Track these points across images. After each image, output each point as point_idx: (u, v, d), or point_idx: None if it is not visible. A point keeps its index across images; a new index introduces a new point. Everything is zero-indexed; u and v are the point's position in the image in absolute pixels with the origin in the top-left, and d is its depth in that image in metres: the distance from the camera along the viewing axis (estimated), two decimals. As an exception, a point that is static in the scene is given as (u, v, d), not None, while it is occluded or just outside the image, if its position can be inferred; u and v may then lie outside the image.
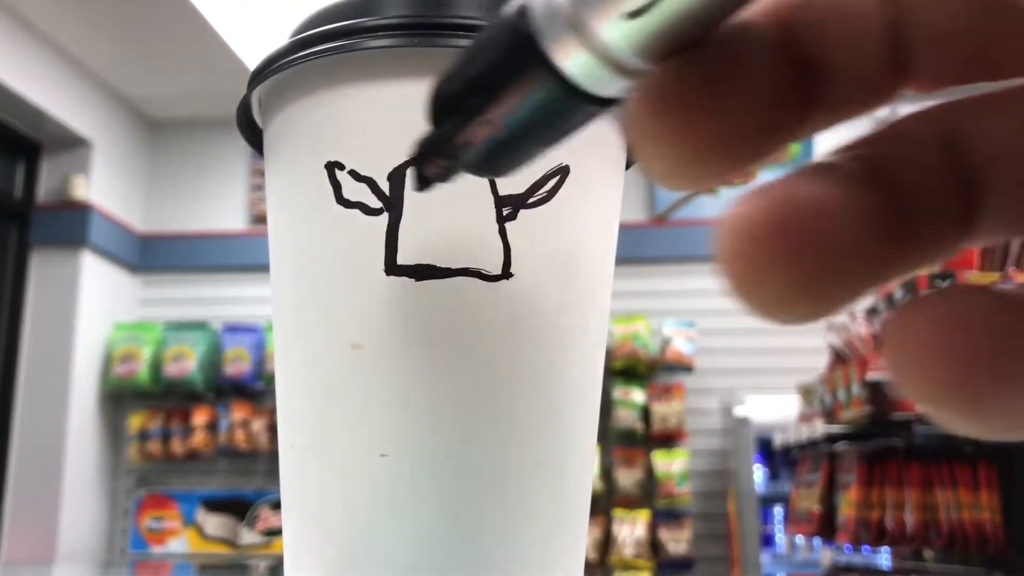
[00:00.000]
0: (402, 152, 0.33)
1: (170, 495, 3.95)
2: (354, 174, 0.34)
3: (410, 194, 0.33)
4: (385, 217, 0.33)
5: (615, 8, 0.18)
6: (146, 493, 3.96)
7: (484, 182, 0.33)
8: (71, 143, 3.85)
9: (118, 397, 4.00)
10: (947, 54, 0.19)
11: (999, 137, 0.19)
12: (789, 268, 0.16)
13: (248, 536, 3.83)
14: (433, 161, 0.27)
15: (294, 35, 0.36)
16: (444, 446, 0.33)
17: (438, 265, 0.33)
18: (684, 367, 3.86)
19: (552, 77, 0.20)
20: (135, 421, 3.94)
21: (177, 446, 3.87)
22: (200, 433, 3.85)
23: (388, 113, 0.34)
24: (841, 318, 3.10)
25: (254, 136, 0.40)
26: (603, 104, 0.20)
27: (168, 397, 4.00)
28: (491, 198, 0.34)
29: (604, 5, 0.18)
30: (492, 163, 0.24)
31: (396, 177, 0.33)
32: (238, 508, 3.88)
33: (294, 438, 0.36)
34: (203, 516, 3.90)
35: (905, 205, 0.18)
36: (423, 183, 0.29)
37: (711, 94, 0.18)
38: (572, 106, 0.20)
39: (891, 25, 0.19)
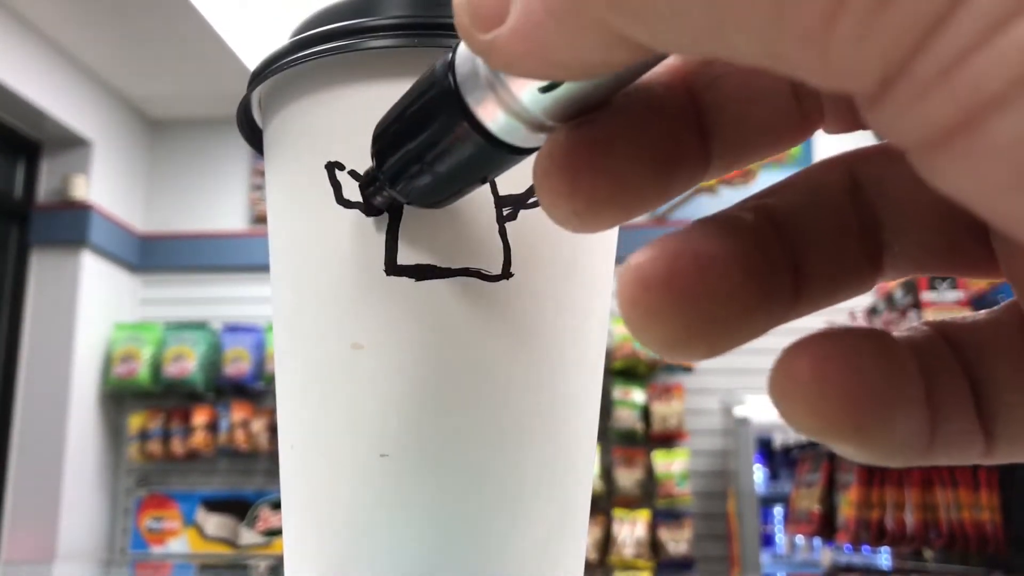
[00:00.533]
0: None
1: (170, 495, 3.95)
2: (354, 174, 0.34)
3: None
4: (385, 217, 0.33)
5: (526, 82, 0.20)
6: (146, 493, 3.96)
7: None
8: (71, 143, 3.85)
9: (118, 397, 4.00)
10: (851, 109, 0.20)
11: (900, 182, 0.20)
12: (675, 314, 0.18)
13: (248, 536, 3.83)
14: (379, 193, 0.31)
15: (294, 35, 0.35)
16: (444, 446, 0.33)
17: (438, 265, 0.33)
18: (684, 367, 3.86)
19: (475, 130, 0.22)
20: (135, 421, 3.94)
21: (177, 446, 3.87)
22: (200, 433, 3.85)
23: None
24: (841, 318, 3.10)
25: (254, 136, 0.40)
26: (521, 152, 0.22)
27: (168, 397, 4.00)
28: (491, 198, 0.33)
29: (519, 80, 0.20)
30: (427, 197, 0.27)
31: None
32: (238, 508, 3.88)
33: (294, 438, 0.36)
34: (203, 516, 3.90)
35: (801, 249, 0.20)
36: (371, 210, 0.32)
37: (595, 154, 0.19)
38: (493, 154, 0.23)
39: (791, 83, 0.21)
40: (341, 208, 0.34)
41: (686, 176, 0.20)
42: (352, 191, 0.34)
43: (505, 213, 0.34)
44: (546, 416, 0.34)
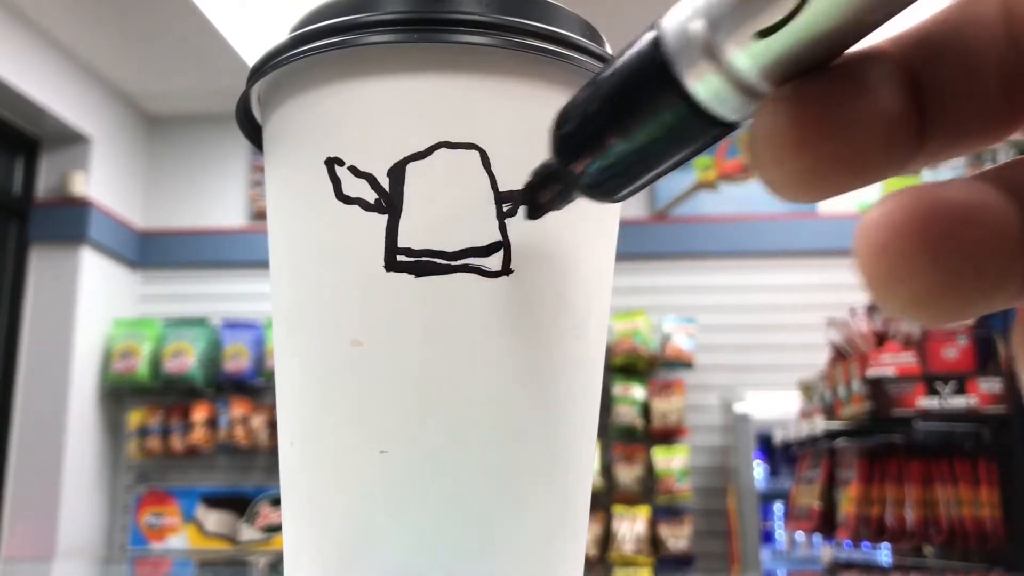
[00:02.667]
0: (402, 147, 0.33)
1: (170, 491, 3.95)
2: (354, 170, 0.34)
3: (410, 190, 0.33)
4: (385, 213, 0.33)
5: (748, 27, 0.19)
6: (146, 489, 3.96)
7: (483, 176, 0.33)
8: (70, 139, 3.85)
9: (118, 393, 4.01)
10: None
11: None
12: (932, 264, 0.17)
13: (248, 532, 3.83)
14: (549, 187, 0.29)
15: (293, 31, 0.35)
16: (444, 443, 0.33)
17: (438, 262, 0.33)
18: (684, 363, 3.86)
19: (683, 101, 0.21)
20: (135, 417, 3.94)
21: (177, 442, 3.87)
22: (200, 429, 3.86)
23: (389, 109, 0.34)
24: (841, 315, 3.10)
25: (254, 132, 0.40)
26: (726, 127, 0.21)
27: (168, 393, 4.00)
28: (491, 194, 0.33)
29: (738, 27, 0.19)
30: (609, 185, 0.25)
31: (396, 173, 0.33)
32: (238, 504, 3.88)
33: (294, 434, 0.36)
34: (203, 512, 3.90)
35: None
36: (536, 210, 0.30)
37: (830, 114, 0.18)
38: (698, 129, 0.22)
39: (1012, 64, 0.20)
40: (341, 204, 0.34)
41: (904, 153, 0.19)
42: (352, 187, 0.34)
43: (505, 209, 0.33)
44: (546, 413, 0.34)
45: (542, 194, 0.30)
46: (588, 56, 0.34)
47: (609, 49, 0.36)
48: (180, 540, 3.89)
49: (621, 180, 0.25)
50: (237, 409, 3.87)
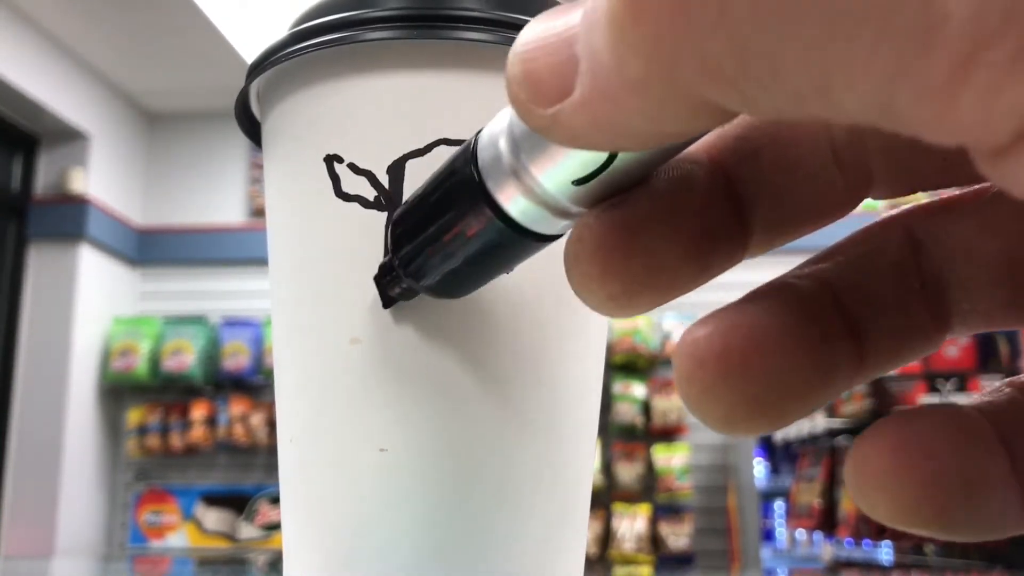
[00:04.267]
0: (401, 144, 0.33)
1: (169, 489, 3.95)
2: (353, 167, 0.33)
3: (409, 187, 0.33)
4: (384, 210, 0.33)
5: (557, 175, 0.19)
6: (145, 487, 3.97)
7: None
8: (69, 136, 3.85)
9: (117, 391, 4.01)
10: (907, 166, 0.20)
11: (966, 237, 0.20)
12: (732, 391, 0.18)
13: (247, 530, 3.84)
14: (395, 283, 0.30)
15: (292, 27, 0.35)
16: (443, 441, 0.32)
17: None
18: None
19: (496, 217, 0.21)
20: (134, 415, 3.94)
21: (176, 440, 3.88)
22: (199, 427, 3.86)
23: (388, 106, 0.33)
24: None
25: (252, 129, 0.40)
26: (545, 239, 0.22)
27: (167, 391, 4.00)
28: None
29: (545, 168, 0.20)
30: (446, 287, 0.27)
31: (395, 170, 0.33)
32: (237, 502, 3.89)
33: (293, 432, 0.36)
34: (202, 510, 3.90)
35: (862, 313, 0.19)
36: (387, 301, 0.32)
37: (631, 239, 0.19)
38: (514, 241, 0.22)
39: (839, 144, 0.20)
40: (340, 201, 0.34)
41: (724, 255, 0.20)
42: (351, 184, 0.33)
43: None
44: (546, 411, 0.34)
45: (390, 288, 0.31)
46: None
47: None
48: (179, 538, 3.89)
49: (454, 286, 0.26)
50: (236, 407, 3.88)
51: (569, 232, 0.20)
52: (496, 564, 0.33)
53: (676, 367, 0.18)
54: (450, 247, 0.24)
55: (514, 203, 0.21)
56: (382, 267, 0.31)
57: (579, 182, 0.19)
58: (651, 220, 0.19)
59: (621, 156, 0.19)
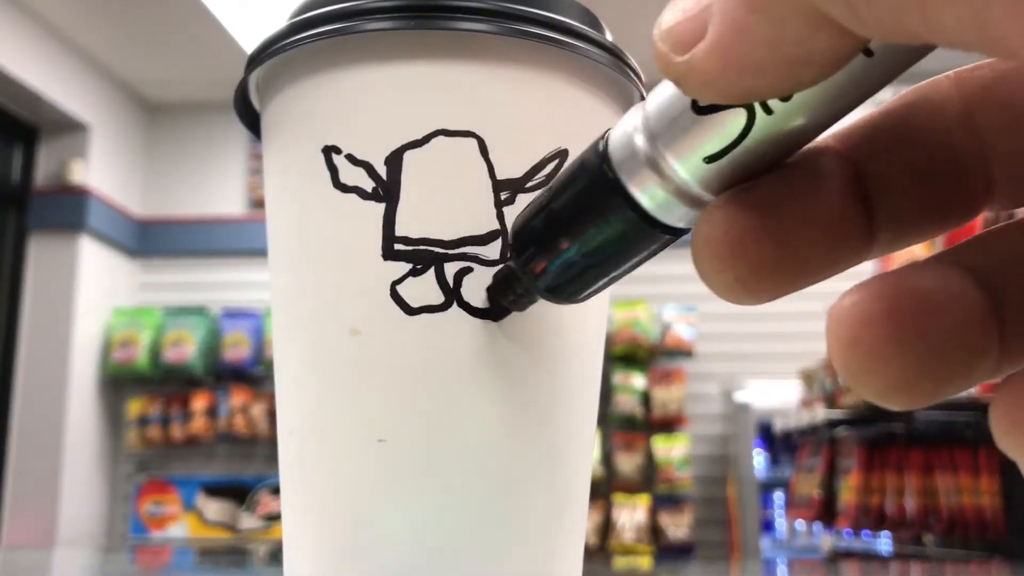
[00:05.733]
0: (399, 135, 0.33)
1: (170, 480, 3.96)
2: (351, 158, 0.33)
3: (407, 178, 0.33)
4: (382, 201, 0.33)
5: (692, 154, 0.20)
6: (146, 478, 3.97)
7: (481, 164, 0.33)
8: (69, 127, 3.85)
9: (117, 382, 4.01)
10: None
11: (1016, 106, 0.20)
12: (903, 355, 0.17)
13: (248, 521, 3.84)
14: (510, 289, 0.30)
15: (291, 17, 0.35)
16: (441, 432, 0.32)
17: (435, 250, 0.33)
18: (684, 352, 3.86)
19: (630, 209, 0.22)
20: (134, 406, 3.94)
21: (176, 431, 3.88)
22: (199, 418, 3.86)
23: (386, 96, 0.33)
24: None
25: (252, 120, 0.39)
26: (674, 232, 0.23)
27: (167, 382, 4.00)
28: (489, 183, 0.33)
29: (681, 149, 0.20)
30: (567, 289, 0.27)
31: (393, 161, 0.33)
32: (238, 493, 3.89)
33: (293, 424, 0.36)
34: (203, 501, 3.91)
35: (1002, 302, 0.19)
36: (499, 312, 0.32)
37: (764, 221, 0.19)
38: (646, 235, 0.23)
39: (967, 154, 0.20)
40: (338, 192, 0.34)
41: (852, 249, 0.20)
42: (349, 175, 0.33)
43: (503, 197, 0.33)
44: (544, 403, 0.34)
45: (503, 296, 0.31)
46: (588, 43, 0.34)
47: (609, 36, 0.36)
48: (180, 529, 3.90)
49: (577, 285, 0.26)
50: (237, 398, 3.88)
51: (700, 217, 0.20)
52: (494, 555, 0.33)
53: (835, 331, 0.18)
54: (579, 243, 0.25)
55: (647, 192, 0.22)
56: (497, 275, 0.31)
57: (711, 159, 0.20)
58: (783, 204, 0.19)
59: (752, 132, 0.19)
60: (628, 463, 3.75)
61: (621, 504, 3.68)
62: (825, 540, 3.35)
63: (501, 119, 0.34)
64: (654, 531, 3.67)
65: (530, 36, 0.33)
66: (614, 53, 0.35)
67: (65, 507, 3.66)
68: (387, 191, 0.33)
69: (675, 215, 0.22)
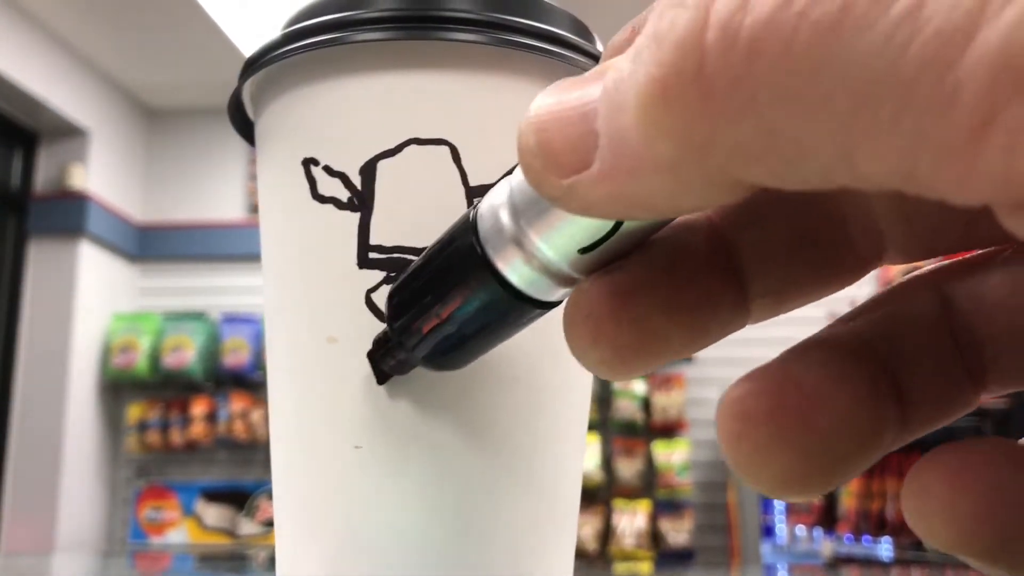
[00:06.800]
0: (373, 145, 0.33)
1: (169, 486, 3.96)
2: (328, 169, 0.34)
3: (381, 187, 0.33)
4: (357, 211, 0.33)
5: (562, 244, 0.20)
6: (145, 484, 3.97)
7: (453, 172, 0.33)
8: (68, 132, 3.85)
9: (117, 387, 4.01)
10: (923, 233, 0.20)
11: (997, 294, 0.20)
12: (786, 450, 0.17)
13: (247, 526, 3.84)
14: (390, 355, 0.30)
15: (285, 27, 0.35)
16: (418, 437, 0.33)
17: (409, 258, 0.33)
18: (685, 357, 3.85)
19: (497, 284, 0.22)
20: (134, 411, 3.95)
21: (176, 437, 3.88)
22: (199, 424, 3.86)
23: (363, 107, 0.34)
24: (843, 308, 3.10)
25: (246, 128, 0.40)
26: (543, 306, 0.22)
27: (167, 387, 4.00)
28: (462, 190, 0.33)
29: (549, 236, 0.20)
30: (443, 358, 0.27)
31: (368, 171, 0.33)
32: (237, 498, 3.89)
33: (279, 430, 0.36)
34: (202, 507, 3.91)
35: (901, 374, 0.19)
36: (382, 376, 0.32)
37: (618, 304, 0.19)
38: (517, 309, 0.22)
39: (848, 215, 0.20)
40: (317, 203, 0.34)
41: (723, 321, 0.20)
42: (326, 186, 0.34)
43: (476, 204, 0.33)
44: (522, 407, 0.34)
45: (383, 362, 0.31)
46: (574, 52, 0.34)
47: (600, 46, 0.36)
48: (180, 534, 3.90)
49: (456, 355, 0.26)
50: (236, 403, 3.88)
51: (568, 297, 0.20)
52: (477, 559, 0.33)
53: (722, 428, 0.18)
54: (449, 315, 0.24)
55: (515, 271, 0.21)
56: (376, 341, 0.31)
57: (584, 251, 0.20)
58: (643, 288, 0.19)
59: (626, 225, 0.19)
60: (628, 468, 3.75)
61: (621, 509, 3.68)
62: (826, 546, 3.35)
63: (475, 126, 0.34)
64: (654, 536, 3.67)
65: (511, 44, 0.33)
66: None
67: (64, 512, 3.66)
68: (362, 200, 0.33)
69: (544, 292, 0.22)
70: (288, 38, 0.34)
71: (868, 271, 0.21)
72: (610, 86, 0.16)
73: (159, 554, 2.96)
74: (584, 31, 0.36)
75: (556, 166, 0.17)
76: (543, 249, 0.20)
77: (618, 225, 0.19)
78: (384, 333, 0.30)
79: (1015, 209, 0.13)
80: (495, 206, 0.21)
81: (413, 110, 0.33)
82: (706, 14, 0.14)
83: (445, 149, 0.33)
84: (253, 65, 0.35)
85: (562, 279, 0.21)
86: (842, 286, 0.21)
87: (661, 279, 0.19)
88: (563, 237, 0.20)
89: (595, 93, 0.16)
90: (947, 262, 0.21)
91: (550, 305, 0.22)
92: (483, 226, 0.22)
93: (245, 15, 3.44)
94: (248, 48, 3.46)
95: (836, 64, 0.13)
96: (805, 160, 0.14)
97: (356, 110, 0.34)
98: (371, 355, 0.32)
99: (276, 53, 0.34)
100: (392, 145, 0.33)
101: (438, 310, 0.25)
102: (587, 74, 0.17)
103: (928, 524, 0.17)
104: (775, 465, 0.17)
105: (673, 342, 0.19)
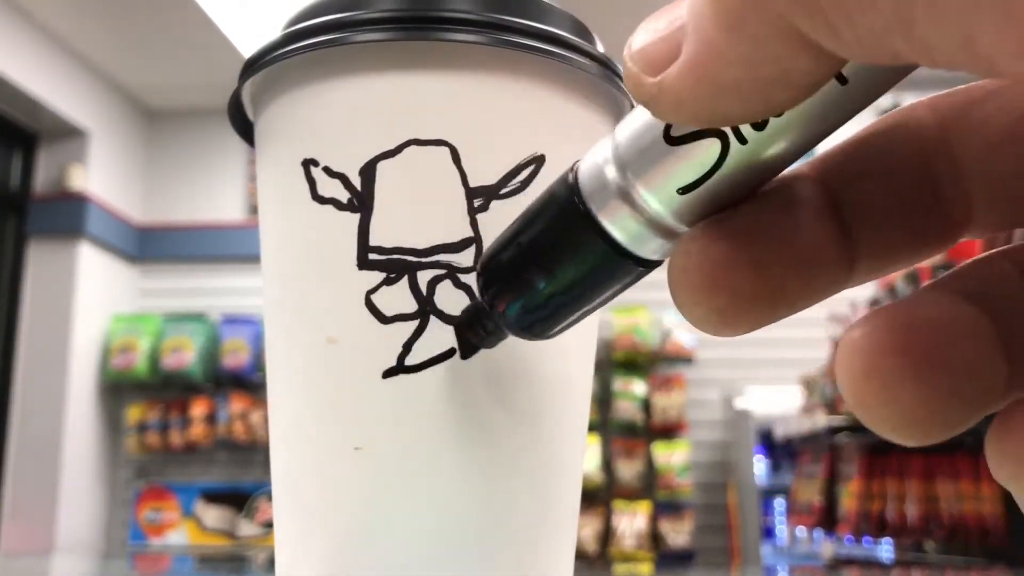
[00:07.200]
0: (373, 146, 0.33)
1: (169, 487, 3.96)
2: (328, 170, 0.34)
3: (381, 188, 0.33)
4: (357, 212, 0.33)
5: (665, 185, 0.20)
6: (145, 485, 3.97)
7: (453, 172, 0.33)
8: (68, 133, 3.85)
9: (116, 388, 4.01)
10: (1008, 202, 0.20)
11: (989, 131, 0.20)
12: (919, 386, 0.17)
13: (247, 528, 3.84)
14: (480, 325, 0.29)
15: (285, 28, 0.35)
16: (417, 438, 0.33)
17: (408, 259, 0.33)
18: (685, 358, 3.86)
19: (601, 241, 0.21)
20: (133, 413, 3.95)
21: (176, 438, 3.88)
22: (199, 425, 3.86)
23: (363, 108, 0.34)
24: (843, 309, 3.10)
25: (246, 129, 0.40)
26: (648, 264, 0.22)
27: (166, 389, 4.00)
28: (462, 190, 0.33)
29: (653, 181, 0.20)
30: (539, 326, 0.26)
31: (367, 172, 0.33)
32: (237, 500, 3.89)
33: (279, 431, 0.36)
34: (202, 508, 3.91)
35: (1003, 331, 0.18)
36: (468, 349, 0.32)
37: (739, 252, 0.19)
38: (620, 267, 0.22)
39: (941, 177, 0.20)
40: (317, 204, 0.34)
41: (830, 278, 0.20)
42: (326, 187, 0.34)
43: (476, 204, 0.33)
44: (526, 406, 0.34)
45: (472, 334, 0.30)
46: (574, 52, 0.34)
47: (600, 47, 0.36)
48: (179, 535, 3.90)
49: (549, 321, 0.25)
50: (236, 404, 3.88)
51: (675, 248, 0.20)
52: (477, 560, 0.33)
53: (847, 366, 0.17)
54: (551, 279, 0.24)
55: (619, 224, 0.21)
56: (466, 312, 0.30)
57: (685, 190, 0.20)
58: (758, 233, 0.19)
59: (727, 161, 0.19)
60: (628, 470, 3.75)
61: (621, 511, 3.68)
62: (826, 547, 3.35)
63: (475, 127, 0.34)
64: (654, 538, 3.67)
65: (510, 45, 0.33)
66: (603, 63, 0.35)
67: (64, 514, 3.66)
68: (362, 201, 0.33)
69: (649, 247, 0.21)
70: (288, 39, 0.34)
71: (959, 239, 0.21)
72: None
73: (158, 555, 2.96)
74: (584, 32, 0.36)
75: (650, 64, 0.17)
76: (647, 198, 0.20)
77: (719, 164, 0.19)
78: (474, 304, 0.30)
79: None
80: (597, 163, 0.21)
81: (413, 111, 0.33)
82: None
83: (445, 150, 0.33)
84: (253, 66, 0.35)
85: (666, 232, 0.21)
86: (936, 251, 0.21)
87: (775, 227, 0.19)
88: (666, 178, 0.20)
89: (683, 8, 0.17)
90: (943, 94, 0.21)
91: (652, 264, 0.22)
92: (585, 183, 0.22)
93: (245, 16, 3.44)
94: (248, 49, 3.46)
95: None
96: (863, 14, 0.14)
97: (356, 111, 0.34)
98: (459, 326, 0.31)
99: (276, 54, 0.34)
100: (392, 146, 0.33)
101: (537, 273, 0.24)
102: None
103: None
104: (904, 402, 0.17)
105: (788, 293, 0.19)
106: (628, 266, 0.22)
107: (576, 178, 0.22)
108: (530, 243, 0.24)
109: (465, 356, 0.32)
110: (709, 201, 0.20)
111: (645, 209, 0.20)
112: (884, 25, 0.14)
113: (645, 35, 0.18)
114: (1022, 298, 0.19)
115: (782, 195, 0.20)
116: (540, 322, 0.26)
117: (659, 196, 0.20)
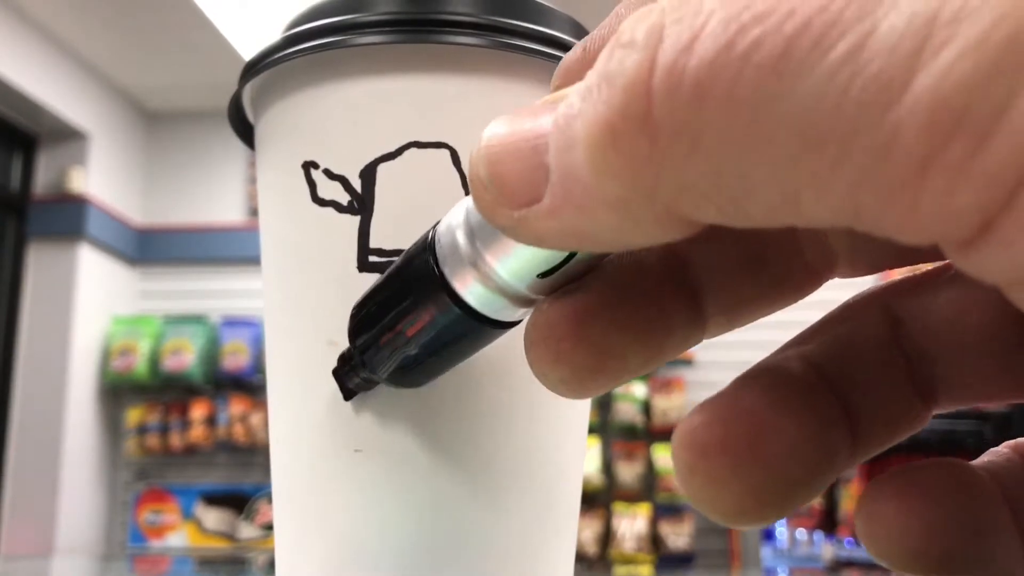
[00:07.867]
0: (373, 149, 0.33)
1: (169, 489, 3.96)
2: (328, 173, 0.34)
3: (381, 191, 0.33)
4: (357, 215, 0.33)
5: (520, 269, 0.20)
6: (144, 487, 3.97)
7: (453, 175, 0.33)
8: (68, 135, 3.85)
9: (116, 391, 4.01)
10: (871, 242, 0.20)
11: (946, 311, 0.20)
12: (739, 481, 0.17)
13: (247, 530, 3.84)
14: (354, 373, 0.30)
15: (285, 30, 0.35)
16: (416, 440, 0.32)
17: None
18: (685, 360, 3.86)
19: (455, 305, 0.22)
20: (133, 415, 3.95)
21: (175, 440, 3.88)
22: (198, 427, 3.87)
23: (364, 111, 0.34)
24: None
25: (246, 131, 0.40)
26: (502, 326, 0.22)
27: (166, 391, 4.01)
28: (462, 193, 0.33)
29: (505, 259, 0.20)
30: (405, 376, 0.27)
31: (367, 174, 0.33)
32: (237, 502, 3.89)
33: (279, 433, 0.36)
34: (202, 510, 3.91)
35: (852, 396, 0.19)
36: (347, 393, 0.32)
37: (576, 324, 0.19)
38: (476, 329, 0.23)
39: (797, 230, 0.20)
40: (317, 207, 0.34)
41: (680, 338, 0.20)
42: (326, 189, 0.34)
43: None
44: (525, 408, 0.34)
45: (348, 379, 0.31)
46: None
47: None
48: (179, 538, 3.90)
49: (417, 374, 0.26)
50: (236, 407, 3.88)
51: (528, 317, 0.20)
52: (476, 562, 0.33)
53: (677, 460, 0.18)
54: (409, 335, 0.24)
55: (472, 292, 0.21)
56: (341, 358, 0.31)
57: (542, 275, 0.20)
58: (600, 308, 0.19)
59: (579, 253, 0.19)
60: (628, 472, 3.75)
61: (621, 513, 3.68)
62: (826, 549, 3.34)
63: (475, 130, 0.33)
64: (655, 540, 3.67)
65: (510, 48, 0.33)
66: None
67: (63, 515, 3.66)
68: (362, 204, 0.33)
69: (504, 313, 0.22)
70: (288, 41, 0.34)
71: (819, 285, 0.21)
72: (561, 122, 0.16)
73: (158, 557, 2.96)
74: (584, 34, 0.36)
75: (507, 198, 0.17)
76: (500, 272, 0.20)
77: (573, 253, 0.19)
78: (348, 351, 0.30)
79: (960, 246, 0.13)
80: (452, 227, 0.21)
81: (413, 113, 0.33)
82: (653, 56, 0.14)
83: (445, 152, 0.33)
84: (253, 68, 0.35)
85: (520, 300, 0.21)
86: (795, 299, 0.21)
87: (618, 298, 0.19)
88: (520, 262, 0.20)
89: (546, 126, 0.16)
90: (896, 279, 0.21)
91: (509, 325, 0.23)
92: (441, 247, 0.22)
93: (245, 18, 3.44)
94: (248, 51, 3.46)
95: (778, 106, 0.13)
96: (751, 200, 0.14)
97: (356, 113, 0.34)
98: (336, 372, 0.31)
99: (276, 56, 0.34)
100: (392, 148, 0.33)
101: (398, 330, 0.25)
102: (539, 103, 0.17)
103: (879, 544, 0.18)
104: (728, 497, 0.17)
105: (630, 361, 0.19)
106: (484, 328, 0.22)
107: (434, 238, 0.22)
108: (391, 298, 0.25)
109: (346, 398, 0.32)
110: (561, 279, 0.20)
111: (495, 281, 0.20)
112: (774, 207, 0.14)
113: (498, 156, 0.17)
114: (880, 348, 0.20)
115: (628, 264, 0.20)
116: (407, 375, 0.27)
117: (510, 274, 0.20)
